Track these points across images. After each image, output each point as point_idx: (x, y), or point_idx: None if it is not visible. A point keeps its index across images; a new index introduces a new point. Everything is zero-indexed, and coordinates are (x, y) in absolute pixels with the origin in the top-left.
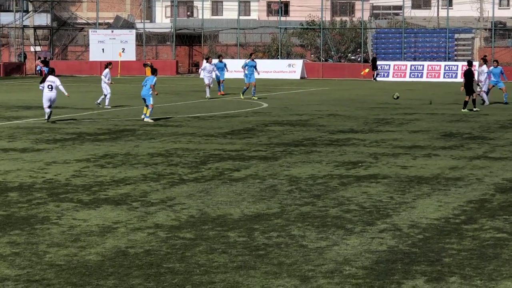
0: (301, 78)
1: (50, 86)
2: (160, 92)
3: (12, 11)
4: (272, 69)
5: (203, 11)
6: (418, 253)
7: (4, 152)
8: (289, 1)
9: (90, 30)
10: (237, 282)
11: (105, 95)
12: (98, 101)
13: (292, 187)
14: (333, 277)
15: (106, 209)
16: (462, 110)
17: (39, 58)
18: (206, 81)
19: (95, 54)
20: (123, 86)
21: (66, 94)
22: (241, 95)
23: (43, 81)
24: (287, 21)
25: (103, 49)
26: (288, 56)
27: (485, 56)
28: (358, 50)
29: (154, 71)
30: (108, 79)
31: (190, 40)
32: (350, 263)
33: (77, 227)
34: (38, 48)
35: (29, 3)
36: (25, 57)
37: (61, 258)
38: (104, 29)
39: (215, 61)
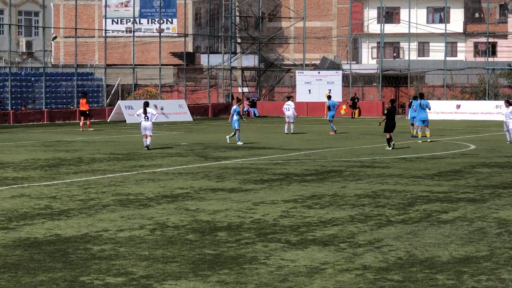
0: None
1: (146, 117)
2: (366, 133)
3: (220, 53)
4: (479, 110)
5: (410, 52)
6: None
7: (213, 192)
8: (496, 42)
9: (297, 71)
10: None
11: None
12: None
13: (501, 229)
14: None
15: (314, 250)
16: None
17: (247, 99)
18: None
19: (302, 94)
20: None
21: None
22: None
23: (144, 112)
24: (494, 61)
25: (309, 90)
26: (496, 97)
27: None
28: None
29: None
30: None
31: (396, 81)
32: None
33: (285, 268)
34: (245, 89)
35: (237, 45)
36: (232, 98)
37: None
38: (311, 70)
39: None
